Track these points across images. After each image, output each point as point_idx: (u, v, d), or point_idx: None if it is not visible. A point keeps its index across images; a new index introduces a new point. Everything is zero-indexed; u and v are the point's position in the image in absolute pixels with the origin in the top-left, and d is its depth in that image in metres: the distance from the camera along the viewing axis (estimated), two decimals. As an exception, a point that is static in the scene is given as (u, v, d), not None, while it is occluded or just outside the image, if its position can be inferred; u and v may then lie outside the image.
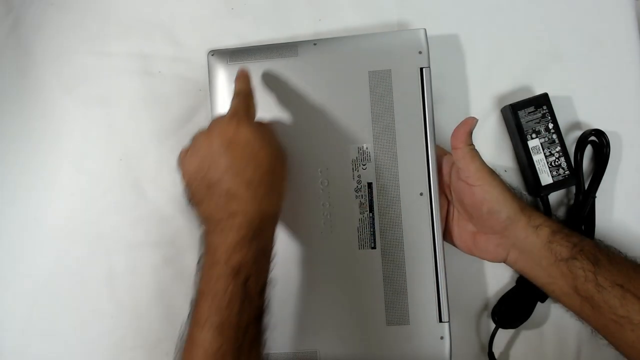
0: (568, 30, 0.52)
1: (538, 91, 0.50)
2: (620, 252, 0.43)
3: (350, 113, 0.46)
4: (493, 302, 0.49)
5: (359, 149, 0.46)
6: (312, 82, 0.47)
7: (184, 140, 0.43)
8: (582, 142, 0.48)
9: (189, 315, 0.38)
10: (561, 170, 0.48)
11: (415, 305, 0.45)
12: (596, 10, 0.52)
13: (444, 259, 0.45)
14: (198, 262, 0.40)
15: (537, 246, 0.42)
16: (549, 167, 0.48)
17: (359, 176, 0.46)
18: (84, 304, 0.52)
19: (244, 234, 0.37)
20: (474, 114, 0.51)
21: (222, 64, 0.48)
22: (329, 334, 0.45)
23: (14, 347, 0.52)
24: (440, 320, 0.44)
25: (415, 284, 0.45)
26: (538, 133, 0.48)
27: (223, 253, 0.37)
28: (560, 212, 0.50)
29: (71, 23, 0.55)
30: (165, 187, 0.52)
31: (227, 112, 0.41)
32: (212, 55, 0.49)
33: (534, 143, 0.48)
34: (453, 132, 0.43)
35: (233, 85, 0.43)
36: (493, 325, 0.48)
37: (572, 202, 0.50)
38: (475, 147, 0.43)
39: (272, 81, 0.47)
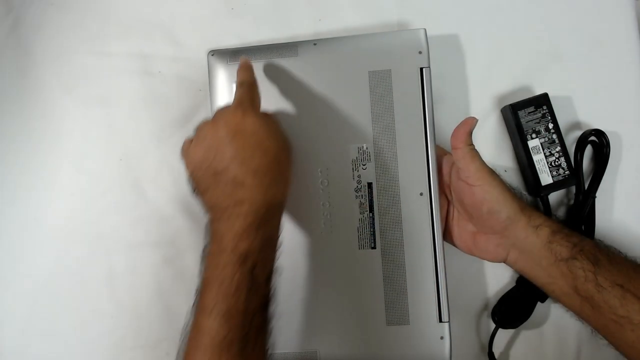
0: (568, 30, 0.52)
1: (538, 91, 0.50)
2: (620, 252, 0.43)
3: (350, 113, 0.46)
4: (493, 302, 0.49)
5: (359, 149, 0.46)
6: (312, 82, 0.47)
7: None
8: (582, 142, 0.48)
9: (193, 304, 0.38)
10: (561, 170, 0.48)
11: (415, 305, 0.45)
12: (596, 10, 0.52)
13: (444, 259, 0.45)
14: (203, 251, 0.40)
15: (537, 246, 0.42)
16: (549, 167, 0.48)
17: (359, 176, 0.46)
18: (84, 304, 0.52)
19: (251, 222, 0.37)
20: (474, 114, 0.51)
21: (222, 64, 0.48)
22: (329, 334, 0.45)
23: (14, 347, 0.52)
24: (440, 320, 0.44)
25: (415, 284, 0.45)
26: (538, 133, 0.48)
27: (230, 241, 0.37)
28: (560, 212, 0.50)
29: (71, 23, 0.55)
30: (165, 187, 0.52)
31: (232, 102, 0.41)
32: (212, 55, 0.49)
33: (534, 143, 0.48)
34: (453, 132, 0.44)
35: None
36: (493, 325, 0.48)
37: (572, 202, 0.50)
38: (475, 147, 0.43)
39: (272, 81, 0.47)
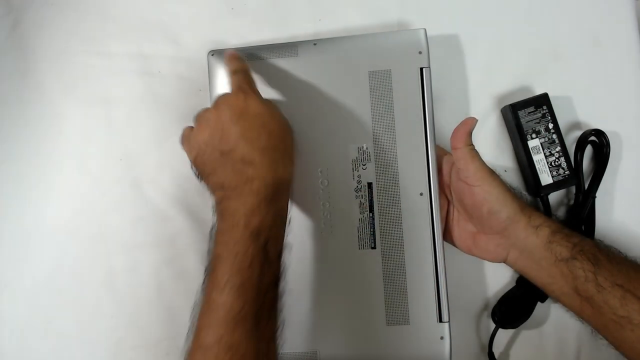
0: (568, 30, 0.52)
1: (538, 91, 0.50)
2: (620, 252, 0.43)
3: (350, 113, 0.46)
4: (493, 302, 0.49)
5: (359, 149, 0.46)
6: (312, 82, 0.47)
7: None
8: (582, 142, 0.48)
9: (203, 282, 0.38)
10: (561, 170, 0.48)
11: (415, 305, 0.45)
12: (596, 10, 0.52)
13: (444, 259, 0.45)
14: (211, 230, 0.40)
15: (537, 246, 0.42)
16: (549, 167, 0.48)
17: (359, 176, 0.46)
18: (84, 304, 0.52)
19: (262, 198, 0.38)
20: (474, 114, 0.51)
21: (222, 64, 0.48)
22: (329, 334, 0.45)
23: (14, 347, 0.52)
24: (440, 320, 0.44)
25: (415, 284, 0.45)
26: (538, 133, 0.48)
27: (242, 216, 0.37)
28: (560, 212, 0.50)
29: (71, 23, 0.55)
30: (165, 187, 0.52)
31: (232, 88, 0.42)
32: (212, 55, 0.49)
33: (534, 143, 0.48)
34: (453, 133, 0.44)
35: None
36: (493, 325, 0.48)
37: (572, 202, 0.50)
38: (475, 147, 0.43)
39: (272, 81, 0.47)
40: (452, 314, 0.45)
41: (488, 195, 0.42)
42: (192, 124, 0.43)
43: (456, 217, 0.47)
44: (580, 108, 0.51)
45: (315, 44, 0.48)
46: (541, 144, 0.48)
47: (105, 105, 0.54)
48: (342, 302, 0.46)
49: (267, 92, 0.47)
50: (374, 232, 0.46)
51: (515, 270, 0.48)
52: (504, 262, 0.45)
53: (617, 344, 0.40)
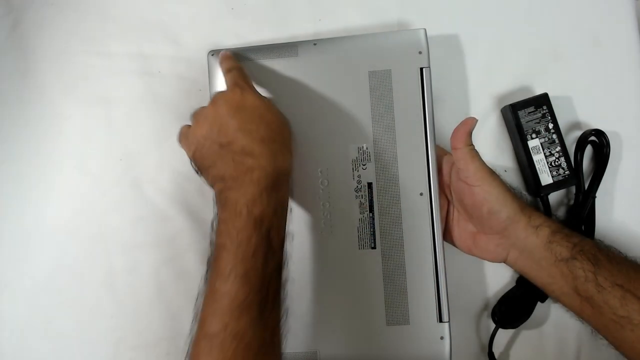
0: (568, 30, 0.52)
1: (538, 91, 0.50)
2: (620, 252, 0.43)
3: (350, 113, 0.46)
4: (493, 302, 0.49)
5: (359, 149, 0.46)
6: (312, 82, 0.47)
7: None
8: (582, 142, 0.48)
9: (206, 272, 0.39)
10: (561, 170, 0.48)
11: (415, 305, 0.45)
12: (596, 10, 0.52)
13: (444, 259, 0.45)
14: (213, 222, 0.40)
15: (537, 246, 0.42)
16: (549, 167, 0.48)
17: (359, 176, 0.46)
18: (84, 304, 0.52)
19: (263, 187, 0.38)
20: (474, 114, 0.51)
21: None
22: (329, 334, 0.45)
23: (14, 347, 0.52)
24: (440, 320, 0.44)
25: (415, 284, 0.45)
26: (538, 133, 0.48)
27: (244, 205, 0.37)
28: (560, 212, 0.50)
29: (71, 23, 0.55)
30: (165, 187, 0.52)
31: (228, 85, 0.42)
32: (212, 55, 0.49)
33: (534, 143, 0.48)
34: (453, 133, 0.44)
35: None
36: (493, 325, 0.48)
37: (572, 202, 0.50)
38: (475, 147, 0.43)
39: (272, 81, 0.47)
40: (452, 314, 0.45)
41: (488, 195, 0.42)
42: (190, 123, 0.44)
43: (456, 217, 0.47)
44: (580, 108, 0.51)
45: (315, 44, 0.48)
46: (541, 144, 0.48)
47: (105, 105, 0.54)
48: (342, 302, 0.46)
49: (267, 92, 0.47)
50: (374, 232, 0.46)
51: (515, 270, 0.48)
52: (504, 262, 0.45)
53: (617, 344, 0.40)
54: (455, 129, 0.43)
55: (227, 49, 0.48)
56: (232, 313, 0.35)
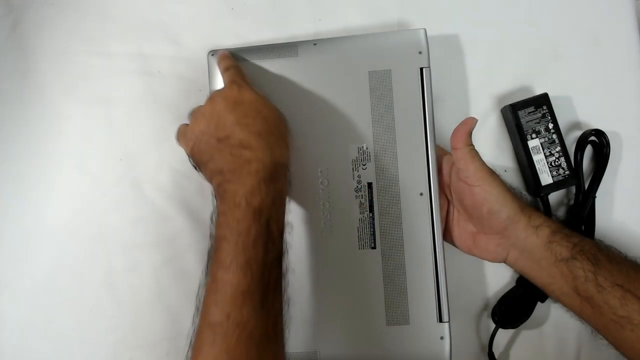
0: (568, 30, 0.52)
1: (538, 91, 0.50)
2: (620, 252, 0.43)
3: (350, 113, 0.46)
4: (493, 302, 0.49)
5: (359, 149, 0.46)
6: (312, 82, 0.47)
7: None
8: (582, 142, 0.48)
9: (207, 264, 0.39)
10: (561, 170, 0.48)
11: (415, 305, 0.45)
12: (596, 10, 0.52)
13: (444, 259, 0.45)
14: (212, 215, 0.40)
15: (537, 246, 0.42)
16: (549, 167, 0.48)
17: (359, 176, 0.46)
18: (84, 304, 0.52)
19: (261, 178, 0.38)
20: (474, 114, 0.51)
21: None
22: (329, 334, 0.45)
23: (14, 347, 0.52)
24: (440, 320, 0.44)
25: (415, 284, 0.45)
26: (538, 133, 0.48)
27: (242, 197, 0.37)
28: (560, 212, 0.50)
29: (71, 23, 0.55)
30: (165, 187, 0.52)
31: (225, 83, 0.43)
32: (212, 55, 0.49)
33: (534, 143, 0.48)
34: (453, 133, 0.44)
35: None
36: (493, 325, 0.48)
37: (572, 202, 0.50)
38: (475, 147, 0.43)
39: (272, 81, 0.47)
40: (452, 314, 0.45)
41: (488, 195, 0.42)
42: (187, 122, 0.44)
43: (456, 217, 0.47)
44: (580, 108, 0.51)
45: (315, 44, 0.48)
46: (541, 144, 0.48)
47: (105, 105, 0.54)
48: (342, 302, 0.46)
49: (267, 92, 0.47)
50: (374, 232, 0.46)
51: (515, 270, 0.48)
52: (504, 262, 0.45)
53: (617, 344, 0.40)
54: (455, 129, 0.43)
55: (226, 49, 0.48)
56: (234, 302, 0.36)
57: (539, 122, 0.48)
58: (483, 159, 0.43)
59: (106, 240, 0.52)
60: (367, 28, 0.53)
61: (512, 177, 0.51)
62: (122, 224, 0.52)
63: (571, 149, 0.49)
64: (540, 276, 0.43)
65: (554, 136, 0.48)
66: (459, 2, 0.53)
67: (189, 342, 0.37)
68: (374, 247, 0.45)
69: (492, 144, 0.51)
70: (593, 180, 0.48)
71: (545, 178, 0.48)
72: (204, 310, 0.37)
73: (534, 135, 0.48)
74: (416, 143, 0.45)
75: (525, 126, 0.48)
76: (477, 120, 0.43)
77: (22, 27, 0.55)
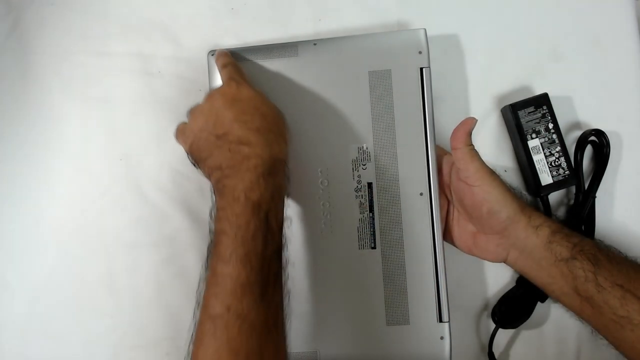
0: (568, 30, 0.52)
1: (538, 91, 0.50)
2: (620, 252, 0.43)
3: (350, 113, 0.46)
4: (493, 302, 0.49)
5: (359, 149, 0.46)
6: (312, 82, 0.47)
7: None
8: (582, 142, 0.48)
9: (207, 258, 0.39)
10: (561, 170, 0.48)
11: (415, 305, 0.45)
12: (596, 10, 0.52)
13: (444, 259, 0.45)
14: (211, 210, 0.40)
15: (537, 246, 0.42)
16: (549, 167, 0.48)
17: (359, 176, 0.46)
18: (84, 304, 0.52)
19: (260, 173, 0.38)
20: (474, 114, 0.51)
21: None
22: (329, 334, 0.45)
23: (14, 347, 0.52)
24: (440, 320, 0.44)
25: (415, 284, 0.45)
26: (538, 133, 0.48)
27: (241, 192, 0.38)
28: (560, 212, 0.50)
29: (71, 23, 0.55)
30: (165, 187, 0.52)
31: (223, 80, 0.43)
32: (212, 55, 0.49)
33: (534, 143, 0.48)
34: (452, 133, 0.44)
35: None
36: (493, 325, 0.48)
37: (572, 202, 0.50)
38: (475, 147, 0.43)
39: (272, 81, 0.47)
40: (452, 314, 0.45)
41: (488, 195, 0.42)
42: (186, 121, 0.44)
43: (456, 217, 0.47)
44: (580, 108, 0.51)
45: (315, 44, 0.48)
46: (541, 144, 0.48)
47: (105, 105, 0.54)
48: (342, 302, 0.46)
49: (267, 92, 0.47)
50: (374, 232, 0.46)
51: (515, 270, 0.48)
52: (504, 262, 0.45)
53: (617, 344, 0.40)
54: (455, 129, 0.43)
55: (226, 49, 0.48)
56: (234, 294, 0.36)
57: (539, 122, 0.48)
58: (483, 159, 0.43)
59: (106, 240, 0.52)
60: (367, 28, 0.53)
61: (512, 177, 0.51)
62: (122, 224, 0.52)
63: (571, 149, 0.49)
64: (540, 276, 0.43)
65: (554, 136, 0.48)
66: (459, 2, 0.53)
67: (190, 335, 0.38)
68: (374, 247, 0.45)
69: (492, 144, 0.51)
70: (593, 180, 0.48)
71: (545, 178, 0.48)
72: (204, 304, 0.37)
73: (534, 135, 0.48)
74: (416, 143, 0.45)
75: (525, 126, 0.48)
76: (476, 120, 0.43)
77: (22, 27, 0.55)
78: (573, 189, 0.49)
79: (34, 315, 0.52)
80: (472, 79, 0.52)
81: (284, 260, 0.40)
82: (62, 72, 0.54)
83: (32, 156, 0.54)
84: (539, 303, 0.48)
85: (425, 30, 0.46)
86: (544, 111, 0.48)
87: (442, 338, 0.44)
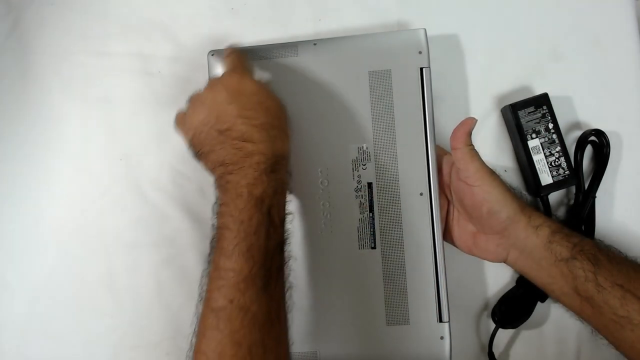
0: (568, 30, 0.52)
1: (538, 91, 0.50)
2: (620, 252, 0.43)
3: (350, 113, 0.46)
4: (493, 302, 0.49)
5: (359, 149, 0.46)
6: (312, 82, 0.47)
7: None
8: (582, 142, 0.48)
9: (209, 253, 0.39)
10: (561, 170, 0.48)
11: (415, 305, 0.45)
12: (596, 10, 0.52)
13: (444, 259, 0.45)
14: (214, 205, 0.40)
15: (537, 246, 0.42)
16: (549, 167, 0.48)
17: (359, 176, 0.46)
18: (84, 304, 0.52)
19: (263, 170, 0.38)
20: (474, 114, 0.51)
21: (222, 64, 0.48)
22: (329, 334, 0.45)
23: (14, 347, 0.52)
24: (440, 320, 0.44)
25: (415, 284, 0.45)
26: (538, 133, 0.48)
27: (244, 187, 0.38)
28: (560, 212, 0.50)
29: (71, 23, 0.55)
30: (165, 187, 0.52)
31: (226, 69, 0.43)
32: (212, 55, 0.49)
33: (534, 143, 0.48)
34: (452, 133, 0.44)
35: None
36: (493, 325, 0.48)
37: (572, 202, 0.50)
38: (475, 148, 0.43)
39: (272, 81, 0.47)
40: (452, 314, 0.45)
41: (488, 195, 0.42)
42: (185, 109, 0.43)
43: (456, 217, 0.47)
44: (580, 108, 0.51)
45: (315, 44, 0.48)
46: (541, 144, 0.48)
47: (105, 105, 0.54)
48: (342, 302, 0.46)
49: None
50: (374, 232, 0.46)
51: (515, 270, 0.48)
52: (504, 262, 0.45)
53: (617, 344, 0.40)
54: (455, 129, 0.43)
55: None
56: (237, 287, 0.36)
57: (539, 122, 0.48)
58: (483, 159, 0.43)
59: (106, 240, 0.52)
60: (367, 28, 0.53)
61: (512, 177, 0.51)
62: (122, 224, 0.52)
63: (571, 149, 0.49)
64: (540, 276, 0.43)
65: (554, 136, 0.48)
66: (459, 2, 0.53)
67: (193, 330, 0.38)
68: (374, 247, 0.45)
69: (492, 144, 0.51)
70: (593, 180, 0.48)
71: (545, 178, 0.48)
72: (207, 297, 0.37)
73: (534, 135, 0.48)
74: (416, 143, 0.45)
75: (525, 126, 0.48)
76: (476, 121, 0.43)
77: (22, 27, 0.55)
78: (573, 189, 0.49)
79: (34, 315, 0.52)
80: (472, 79, 0.52)
81: (286, 254, 0.40)
82: (62, 72, 0.54)
83: (32, 156, 0.54)
84: (539, 303, 0.48)
85: (425, 30, 0.46)
86: (544, 111, 0.48)
87: (442, 338, 0.44)
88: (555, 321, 0.49)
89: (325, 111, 0.46)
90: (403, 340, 0.45)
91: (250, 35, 0.53)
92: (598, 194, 0.48)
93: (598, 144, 0.49)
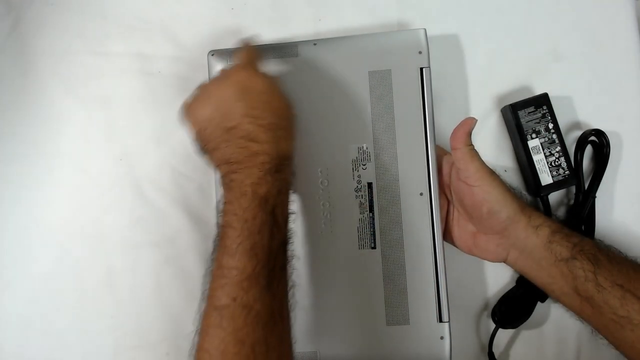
0: (568, 30, 0.52)
1: (538, 91, 0.50)
2: (620, 252, 0.43)
3: (350, 113, 0.46)
4: (493, 302, 0.49)
5: (359, 149, 0.46)
6: (312, 82, 0.47)
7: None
8: (582, 142, 0.48)
9: (213, 252, 0.39)
10: (561, 170, 0.48)
11: (415, 305, 0.45)
12: (596, 10, 0.52)
13: (444, 259, 0.45)
14: (218, 204, 0.41)
15: (537, 246, 0.42)
16: (549, 167, 0.48)
17: (359, 176, 0.46)
18: (84, 304, 0.52)
19: (268, 169, 0.39)
20: (474, 114, 0.51)
21: (222, 64, 0.48)
22: (329, 334, 0.45)
23: (14, 347, 0.52)
24: (440, 320, 0.44)
25: (415, 284, 0.45)
26: (538, 133, 0.48)
27: (249, 186, 0.38)
28: (560, 212, 0.50)
29: (71, 23, 0.55)
30: (165, 187, 0.52)
31: (237, 63, 0.43)
32: (212, 55, 0.49)
33: (534, 143, 0.48)
34: (452, 133, 0.44)
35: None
36: (493, 325, 0.48)
37: (572, 202, 0.50)
38: (475, 148, 0.43)
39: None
40: (452, 314, 0.45)
41: (488, 195, 0.42)
42: (192, 97, 0.43)
43: (456, 217, 0.47)
44: (580, 108, 0.51)
45: (315, 44, 0.48)
46: (541, 144, 0.48)
47: (105, 105, 0.54)
48: (342, 302, 0.46)
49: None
50: (374, 232, 0.46)
51: (515, 270, 0.48)
52: (504, 262, 0.45)
53: (617, 344, 0.40)
54: (455, 129, 0.43)
55: (226, 49, 0.48)
56: (241, 285, 0.36)
57: (539, 122, 0.48)
58: (483, 159, 0.43)
59: (106, 240, 0.52)
60: (367, 28, 0.53)
61: (512, 177, 0.51)
62: (122, 224, 0.52)
63: (571, 149, 0.49)
64: (540, 276, 0.43)
65: (554, 136, 0.48)
66: (459, 2, 0.53)
67: (195, 328, 0.38)
68: (374, 247, 0.45)
69: (492, 144, 0.51)
70: (593, 180, 0.48)
71: (545, 178, 0.48)
72: (210, 295, 0.37)
73: (534, 135, 0.48)
74: (416, 143, 0.45)
75: (525, 126, 0.48)
76: (476, 121, 0.43)
77: (22, 27, 0.55)
78: (573, 189, 0.49)
79: (34, 315, 0.52)
80: (472, 79, 0.52)
81: (289, 253, 0.40)
82: (62, 72, 0.54)
83: (31, 156, 0.54)
84: (539, 303, 0.48)
85: (425, 30, 0.46)
86: (544, 111, 0.48)
87: (442, 338, 0.44)
88: (555, 321, 0.49)
89: (325, 111, 0.46)
90: (403, 340, 0.45)
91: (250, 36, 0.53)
92: (598, 194, 0.48)
93: (598, 144, 0.49)
